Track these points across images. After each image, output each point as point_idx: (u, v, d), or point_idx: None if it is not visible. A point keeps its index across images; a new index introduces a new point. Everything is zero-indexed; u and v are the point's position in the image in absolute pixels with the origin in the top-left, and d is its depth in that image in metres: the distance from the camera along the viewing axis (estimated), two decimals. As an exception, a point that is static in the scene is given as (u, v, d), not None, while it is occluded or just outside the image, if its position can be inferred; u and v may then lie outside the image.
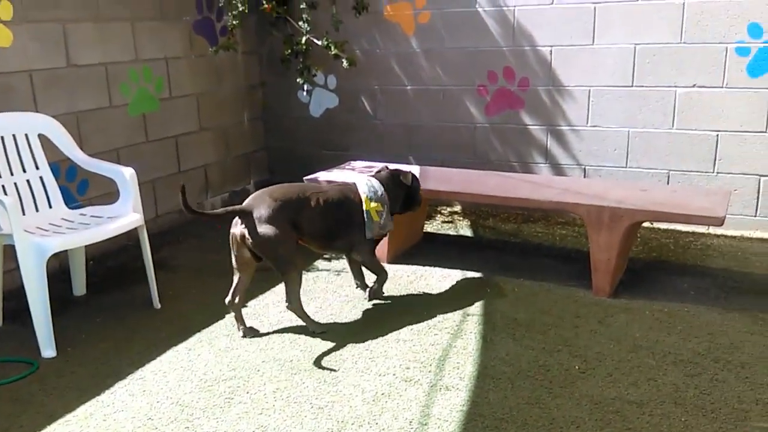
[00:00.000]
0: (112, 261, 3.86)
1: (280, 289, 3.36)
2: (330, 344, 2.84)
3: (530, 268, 3.61)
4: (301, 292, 2.92)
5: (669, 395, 2.41)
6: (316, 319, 3.02)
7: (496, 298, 3.26)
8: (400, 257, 3.80)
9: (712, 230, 4.01)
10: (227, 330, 3.00)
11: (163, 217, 4.41)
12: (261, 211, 2.81)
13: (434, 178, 3.86)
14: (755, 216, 3.98)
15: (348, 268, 3.40)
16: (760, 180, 3.91)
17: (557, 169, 4.42)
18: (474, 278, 3.50)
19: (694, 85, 3.97)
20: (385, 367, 2.65)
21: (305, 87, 4.90)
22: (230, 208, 2.87)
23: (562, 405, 2.37)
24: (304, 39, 4.49)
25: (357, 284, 3.37)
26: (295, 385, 2.54)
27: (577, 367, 2.61)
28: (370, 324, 3.03)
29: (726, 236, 3.96)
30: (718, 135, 3.97)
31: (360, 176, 3.38)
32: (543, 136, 4.42)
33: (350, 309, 3.19)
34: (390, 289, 3.38)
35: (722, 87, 3.91)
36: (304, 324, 2.96)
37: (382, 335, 2.91)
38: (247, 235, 2.80)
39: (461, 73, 4.57)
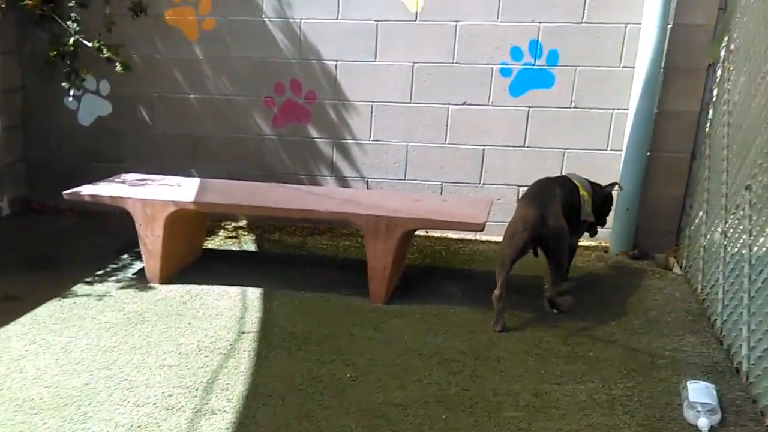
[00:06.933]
0: None
1: (26, 319, 3.00)
2: (83, 378, 2.56)
3: (312, 280, 3.59)
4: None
5: (433, 394, 2.50)
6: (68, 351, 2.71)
7: (275, 313, 3.18)
8: (173, 277, 3.56)
9: (479, 236, 4.30)
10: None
11: None
12: (553, 203, 3.14)
13: (214, 190, 3.69)
14: (518, 223, 4.35)
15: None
16: (518, 190, 4.28)
17: (342, 182, 4.48)
18: (254, 294, 3.39)
19: (464, 103, 4.26)
20: (145, 397, 2.44)
21: (72, 92, 4.45)
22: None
23: (331, 416, 2.35)
24: (72, 40, 4.09)
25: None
26: (34, 428, 2.23)
27: (348, 376, 2.62)
28: (132, 351, 2.78)
29: (490, 242, 4.27)
30: (484, 149, 4.30)
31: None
32: (329, 149, 4.46)
33: (111, 336, 2.91)
34: (160, 311, 3.15)
35: (488, 105, 4.24)
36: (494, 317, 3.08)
37: (145, 362, 2.68)
38: (542, 222, 3.05)
39: (248, 83, 4.45)
